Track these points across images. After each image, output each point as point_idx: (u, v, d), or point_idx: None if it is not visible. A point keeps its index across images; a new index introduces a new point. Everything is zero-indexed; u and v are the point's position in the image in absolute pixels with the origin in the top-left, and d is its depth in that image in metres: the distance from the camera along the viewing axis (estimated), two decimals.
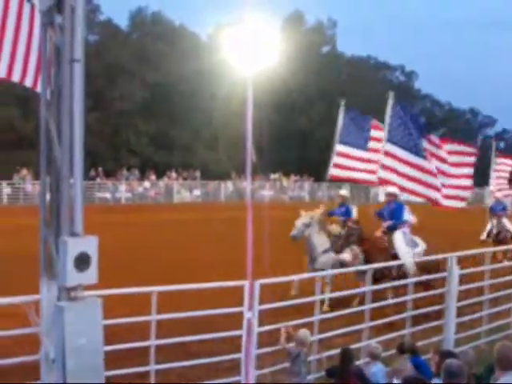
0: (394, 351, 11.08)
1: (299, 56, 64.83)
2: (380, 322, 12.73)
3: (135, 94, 64.25)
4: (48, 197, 6.83)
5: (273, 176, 63.05)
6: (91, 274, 6.56)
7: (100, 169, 53.73)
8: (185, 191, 58.20)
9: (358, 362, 11.05)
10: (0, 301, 9.72)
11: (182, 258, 22.57)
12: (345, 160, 17.50)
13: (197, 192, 58.51)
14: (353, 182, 17.65)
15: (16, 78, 9.05)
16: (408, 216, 16.46)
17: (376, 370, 10.07)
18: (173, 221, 36.06)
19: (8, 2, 8.60)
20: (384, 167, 14.35)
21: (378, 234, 16.55)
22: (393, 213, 16.48)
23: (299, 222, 16.27)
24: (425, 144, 14.20)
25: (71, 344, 6.62)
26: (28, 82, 8.99)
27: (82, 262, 6.44)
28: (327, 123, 70.10)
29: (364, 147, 17.42)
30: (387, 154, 14.31)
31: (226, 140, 64.51)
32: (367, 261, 15.66)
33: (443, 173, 14.37)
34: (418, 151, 13.98)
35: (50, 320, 6.91)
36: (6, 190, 47.78)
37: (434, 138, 14.69)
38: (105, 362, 7.07)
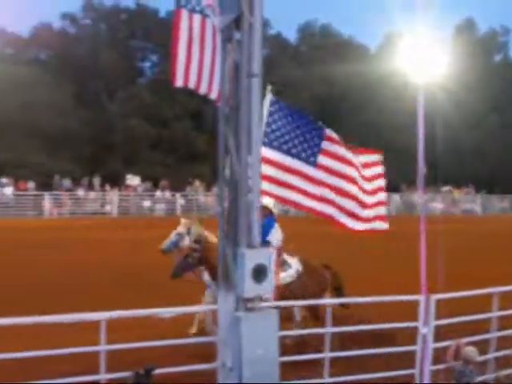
0: None
1: (470, 65, 63.16)
2: None
3: (305, 107, 64.66)
4: (225, 209, 6.97)
5: (444, 188, 61.60)
6: (268, 286, 6.65)
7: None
8: None
9: None
10: (178, 310, 10.03)
11: (350, 269, 22.36)
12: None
13: None
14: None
15: (203, 90, 9.48)
16: (275, 236, 12.95)
17: None
18: (337, 233, 35.85)
19: (192, 22, 8.99)
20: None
21: None
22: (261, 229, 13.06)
23: (173, 233, 13.31)
24: (324, 145, 11.43)
25: (248, 354, 6.72)
26: (213, 96, 9.34)
27: (260, 273, 6.54)
28: (499, 135, 67.83)
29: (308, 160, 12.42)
30: (264, 160, 10.83)
31: (395, 152, 63.76)
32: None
33: (352, 180, 11.60)
34: (307, 157, 11.38)
35: (227, 330, 7.03)
36: (180, 201, 49.29)
37: (334, 135, 11.68)
38: (280, 373, 7.14)
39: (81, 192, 47.63)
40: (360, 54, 67.49)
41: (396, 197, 59.91)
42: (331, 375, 9.84)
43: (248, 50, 6.66)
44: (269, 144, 11.37)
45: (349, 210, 11.56)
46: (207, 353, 9.76)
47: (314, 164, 11.27)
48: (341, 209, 11.53)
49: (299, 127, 11.51)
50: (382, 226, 12.22)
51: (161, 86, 55.88)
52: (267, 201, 12.74)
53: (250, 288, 6.56)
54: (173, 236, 12.96)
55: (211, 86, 9.30)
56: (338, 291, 12.92)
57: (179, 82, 9.49)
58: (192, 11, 9.20)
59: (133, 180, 49.36)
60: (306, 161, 11.28)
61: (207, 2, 9.06)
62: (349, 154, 11.57)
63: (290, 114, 11.56)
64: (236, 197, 6.65)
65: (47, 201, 45.54)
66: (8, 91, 50.80)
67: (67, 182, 48.57)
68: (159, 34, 58.75)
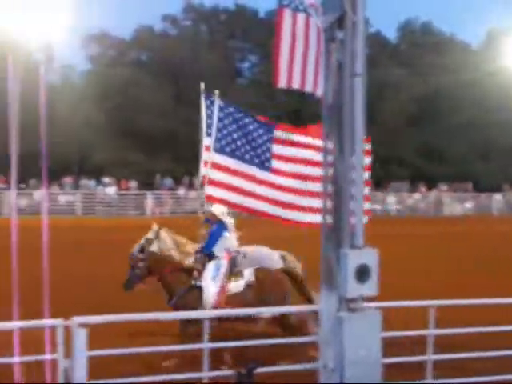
0: None
1: None
2: None
3: (404, 106, 64.01)
4: (328, 209, 6.96)
5: None
6: (371, 286, 6.62)
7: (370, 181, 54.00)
8: (455, 203, 57.03)
9: None
10: (277, 309, 10.06)
11: (451, 270, 22.01)
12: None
13: (468, 204, 57.11)
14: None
15: (309, 88, 9.52)
16: (223, 244, 12.45)
17: None
18: (442, 234, 35.38)
19: (296, 21, 9.04)
20: (211, 182, 11.34)
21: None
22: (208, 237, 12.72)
23: (142, 238, 12.80)
24: (274, 148, 11.12)
25: (351, 355, 6.70)
26: (319, 93, 9.38)
27: (363, 273, 6.52)
28: None
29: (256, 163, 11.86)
30: (216, 166, 11.22)
31: (498, 151, 62.36)
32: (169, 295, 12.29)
33: (305, 177, 11.20)
34: (260, 163, 11.07)
35: (328, 330, 7.02)
36: None
37: (284, 133, 11.24)
38: (382, 374, 7.10)
39: (181, 191, 48.38)
40: (462, 52, 66.20)
41: (498, 196, 58.67)
42: (435, 377, 9.72)
43: (351, 50, 6.64)
44: (221, 150, 11.23)
45: (314, 208, 11.18)
46: (308, 353, 9.82)
47: (268, 169, 11.11)
48: (304, 209, 11.25)
49: (250, 133, 11.31)
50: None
51: (260, 86, 56.28)
52: (216, 209, 12.54)
53: (352, 288, 6.55)
54: (142, 241, 12.66)
55: (317, 84, 9.35)
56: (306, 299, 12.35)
57: (282, 83, 9.55)
58: (296, 10, 9.25)
59: None
60: (260, 166, 11.11)
61: (310, 2, 9.11)
62: (301, 151, 11.24)
63: (241, 118, 11.40)
64: (339, 197, 6.64)
65: (149, 200, 46.46)
66: (110, 93, 52.12)
67: (168, 181, 49.46)
68: (258, 34, 59.21)
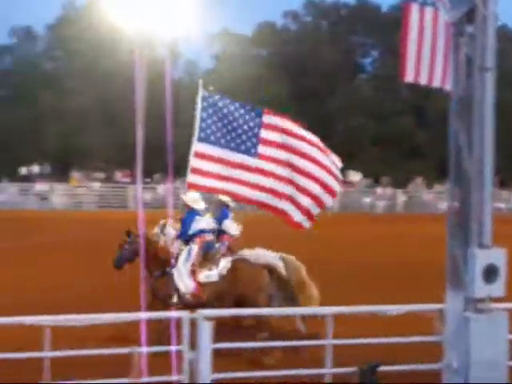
0: None
1: None
2: None
3: None
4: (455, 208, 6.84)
5: None
6: (499, 287, 6.48)
7: (495, 178, 52.67)
8: None
9: None
10: (405, 308, 9.92)
11: None
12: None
13: None
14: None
15: (436, 83, 9.43)
16: (196, 227, 12.43)
17: None
18: None
19: (423, 15, 8.94)
20: (194, 171, 11.17)
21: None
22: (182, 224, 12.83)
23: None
24: (262, 134, 10.92)
25: (476, 356, 6.58)
26: (448, 87, 9.28)
27: (491, 274, 6.38)
28: None
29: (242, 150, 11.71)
30: (200, 155, 11.06)
31: None
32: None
33: (297, 169, 10.90)
34: (247, 149, 10.90)
35: (454, 330, 6.91)
36: (402, 197, 48.99)
37: (274, 119, 11.13)
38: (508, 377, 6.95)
39: None
40: None
41: None
42: None
43: (481, 44, 6.51)
44: (205, 139, 11.08)
45: (295, 200, 11.05)
46: (431, 353, 9.67)
47: (256, 154, 10.93)
48: (290, 200, 11.01)
49: (236, 119, 11.16)
50: (305, 223, 11.36)
51: (382, 81, 55.69)
52: (187, 197, 12.51)
53: (480, 289, 6.43)
54: (149, 236, 12.87)
55: (445, 79, 9.23)
56: (288, 297, 11.98)
57: (409, 78, 9.46)
58: (423, 4, 9.17)
59: (354, 176, 49.61)
60: (247, 152, 10.95)
61: None
62: (291, 140, 10.98)
63: (225, 106, 11.23)
64: (467, 194, 6.52)
65: None
66: (233, 90, 52.71)
67: None
68: (380, 29, 58.54)
